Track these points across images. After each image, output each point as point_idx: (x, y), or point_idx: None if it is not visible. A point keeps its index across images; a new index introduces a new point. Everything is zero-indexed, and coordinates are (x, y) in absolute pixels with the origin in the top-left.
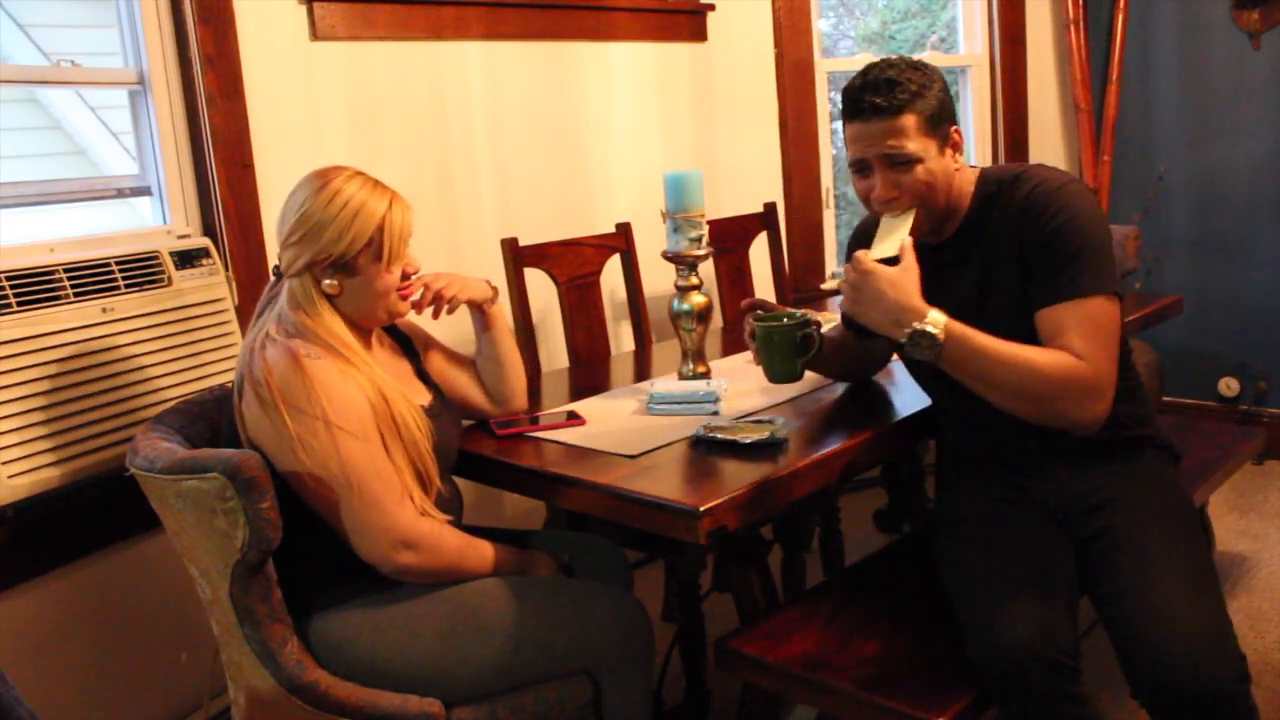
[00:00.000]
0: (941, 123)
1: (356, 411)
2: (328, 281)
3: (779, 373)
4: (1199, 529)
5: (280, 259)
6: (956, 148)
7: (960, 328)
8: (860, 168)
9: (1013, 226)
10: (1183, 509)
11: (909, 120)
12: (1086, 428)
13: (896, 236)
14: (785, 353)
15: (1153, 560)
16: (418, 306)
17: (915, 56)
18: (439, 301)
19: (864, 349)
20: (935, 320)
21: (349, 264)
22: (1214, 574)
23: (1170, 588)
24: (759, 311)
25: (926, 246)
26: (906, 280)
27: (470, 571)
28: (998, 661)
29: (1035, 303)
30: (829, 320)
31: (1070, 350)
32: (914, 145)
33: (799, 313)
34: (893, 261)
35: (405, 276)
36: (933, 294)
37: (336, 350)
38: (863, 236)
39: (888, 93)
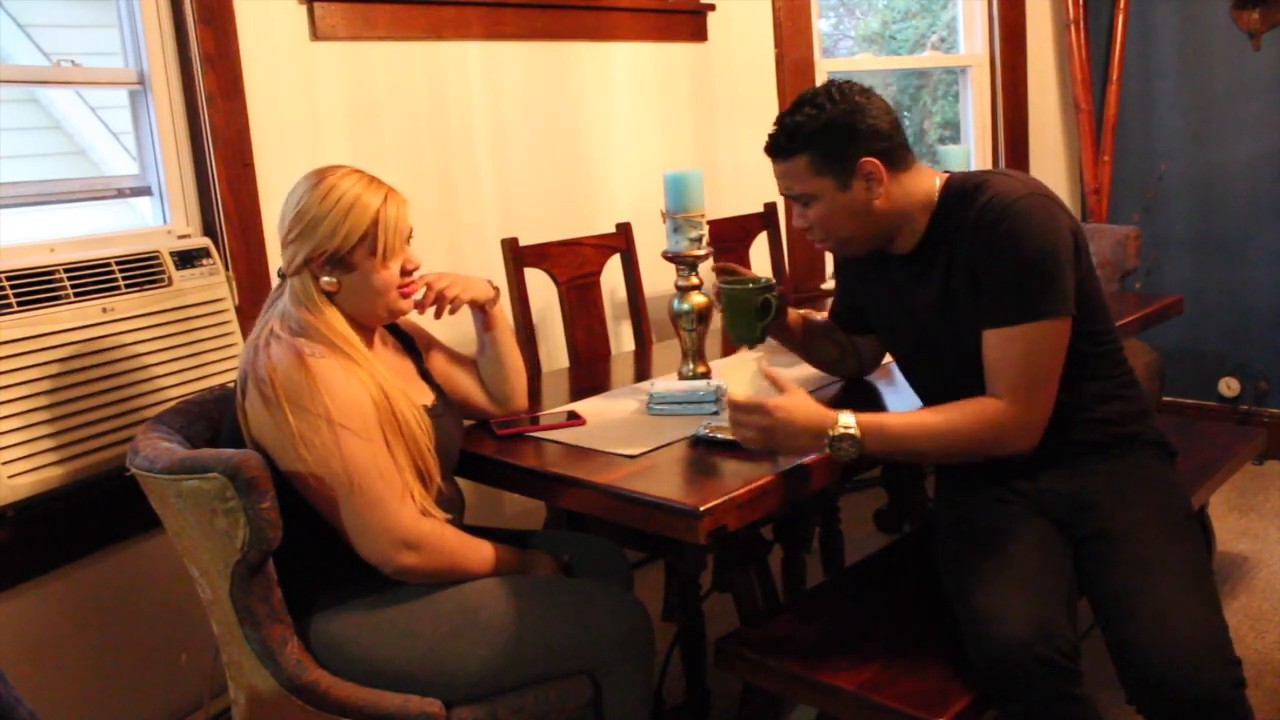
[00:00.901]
0: (842, 160)
1: (360, 410)
2: (326, 279)
3: (739, 334)
4: (1196, 528)
5: (282, 258)
6: (871, 178)
7: (871, 419)
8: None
9: (967, 239)
10: (1180, 508)
11: (799, 163)
12: (1020, 455)
13: (746, 376)
14: (746, 315)
15: (1148, 563)
16: (420, 306)
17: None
18: (441, 302)
19: (851, 345)
20: (847, 423)
21: (345, 259)
22: (1210, 576)
23: (1165, 591)
24: (726, 275)
25: (890, 257)
26: (808, 401)
27: (471, 571)
28: (997, 661)
29: (982, 320)
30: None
31: (996, 390)
32: (805, 186)
33: (764, 278)
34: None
35: (406, 273)
36: (896, 306)
37: (339, 348)
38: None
39: (778, 137)
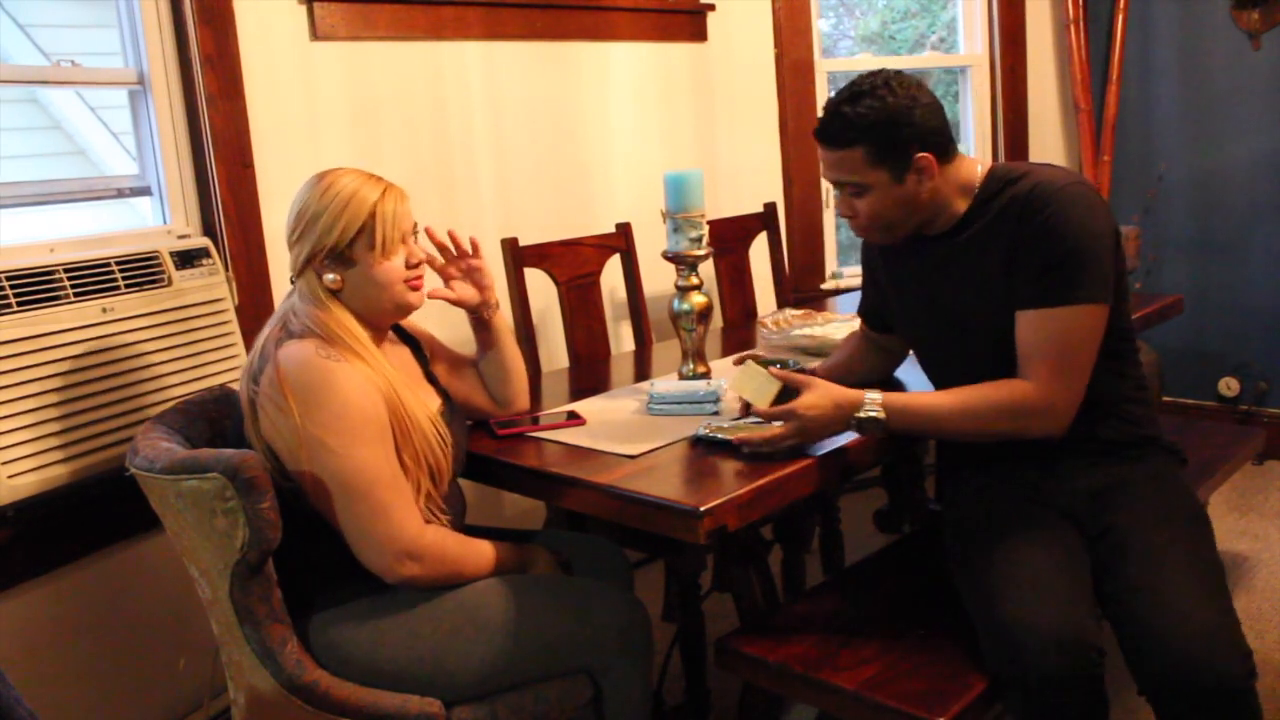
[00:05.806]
0: (898, 153)
1: (372, 416)
2: (329, 276)
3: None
4: (1207, 528)
5: (289, 264)
6: (924, 172)
7: (895, 397)
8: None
9: (1010, 224)
10: (1191, 508)
11: (856, 154)
12: (1049, 439)
13: (763, 388)
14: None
15: (1161, 557)
16: (487, 288)
17: (906, 65)
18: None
19: (881, 346)
20: (873, 399)
21: (345, 255)
22: (1221, 571)
23: (1179, 584)
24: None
25: (923, 239)
26: (829, 389)
27: (472, 575)
28: (1028, 676)
29: (1017, 302)
30: (844, 327)
31: (1026, 371)
32: (860, 177)
33: (793, 361)
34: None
35: (411, 267)
36: (922, 290)
37: (351, 348)
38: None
39: (837, 126)
